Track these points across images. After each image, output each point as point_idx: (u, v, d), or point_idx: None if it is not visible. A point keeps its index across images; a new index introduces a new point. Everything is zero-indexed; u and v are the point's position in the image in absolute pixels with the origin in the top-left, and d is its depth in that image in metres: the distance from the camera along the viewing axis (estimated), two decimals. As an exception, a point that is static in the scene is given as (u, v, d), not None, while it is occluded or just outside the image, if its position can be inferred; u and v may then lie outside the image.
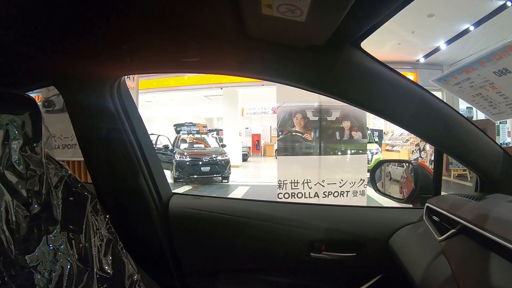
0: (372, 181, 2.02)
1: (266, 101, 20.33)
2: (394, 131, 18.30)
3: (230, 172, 12.61)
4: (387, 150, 16.87)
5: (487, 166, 1.33)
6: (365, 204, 5.65)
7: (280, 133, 6.08)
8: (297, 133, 6.05)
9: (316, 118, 6.14)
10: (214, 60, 1.37)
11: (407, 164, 2.07)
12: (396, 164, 2.27)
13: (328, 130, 6.18)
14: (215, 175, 12.34)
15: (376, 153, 13.37)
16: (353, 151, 6.31)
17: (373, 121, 17.00)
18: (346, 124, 6.31)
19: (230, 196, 9.79)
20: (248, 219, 1.73)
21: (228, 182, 12.45)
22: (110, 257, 1.33)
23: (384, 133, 18.30)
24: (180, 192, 1.91)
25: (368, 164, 8.49)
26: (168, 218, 1.75)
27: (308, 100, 6.08)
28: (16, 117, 1.18)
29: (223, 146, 14.25)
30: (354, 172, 6.31)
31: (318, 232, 1.66)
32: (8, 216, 1.12)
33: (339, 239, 1.65)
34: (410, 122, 1.32)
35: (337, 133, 6.28)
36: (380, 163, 2.16)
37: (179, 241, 1.76)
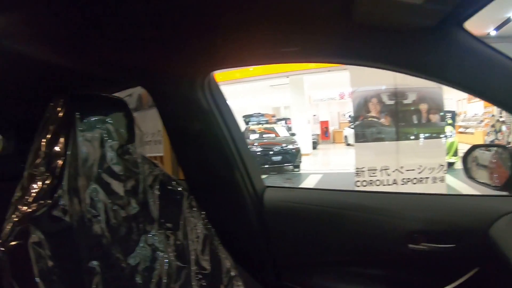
0: (465, 167, 1.93)
1: (333, 87, 20.03)
2: (467, 112, 17.44)
3: (301, 161, 12.50)
4: (460, 133, 16.08)
5: None
6: (445, 192, 5.42)
7: (355, 119, 5.98)
8: (373, 119, 5.90)
9: (392, 102, 5.94)
10: (317, 48, 1.30)
11: (501, 148, 1.96)
12: (485, 148, 2.15)
13: (405, 113, 5.99)
14: (286, 164, 12.24)
15: (451, 136, 12.75)
16: (431, 135, 6.09)
17: (445, 102, 16.18)
18: (423, 107, 6.04)
19: (303, 185, 9.72)
20: (343, 210, 1.68)
21: (299, 170, 12.35)
22: (208, 254, 1.34)
23: (457, 114, 17.44)
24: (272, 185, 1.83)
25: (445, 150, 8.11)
26: (263, 212, 1.73)
27: (383, 83, 5.91)
28: (110, 118, 1.20)
29: (293, 134, 14.17)
30: (433, 157, 6.03)
31: (416, 223, 1.57)
32: (107, 218, 1.15)
33: (438, 230, 1.56)
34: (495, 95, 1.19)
35: (414, 117, 6.07)
36: (473, 148, 2.05)
37: (274, 234, 1.73)
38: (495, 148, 2.01)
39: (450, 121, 15.28)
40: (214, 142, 1.66)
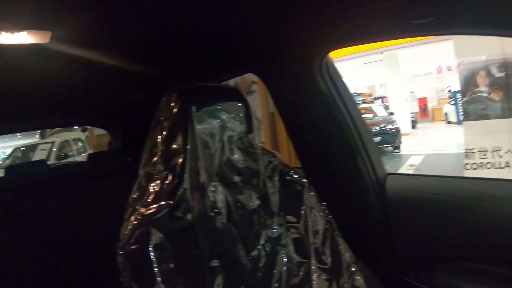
0: None
1: (430, 60, 19.06)
2: None
3: (401, 141, 12.01)
4: None
5: None
6: None
7: (463, 95, 5.58)
8: (482, 94, 5.49)
9: (503, 74, 5.49)
10: (454, 17, 1.15)
11: None
12: None
13: (518, 86, 5.50)
14: (385, 145, 11.76)
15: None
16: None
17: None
18: None
19: (404, 168, 9.31)
20: (473, 201, 1.51)
21: (399, 152, 11.87)
22: (328, 247, 1.28)
23: None
24: (395, 172, 1.76)
25: None
26: (385, 201, 1.62)
27: (490, 53, 5.45)
28: (226, 109, 1.15)
29: (391, 114, 13.67)
30: None
31: None
32: (229, 214, 1.12)
33: None
34: None
35: None
36: None
37: (395, 226, 1.62)
38: None
39: None
40: (334, 127, 1.59)
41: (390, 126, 11.92)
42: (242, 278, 1.10)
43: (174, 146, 1.09)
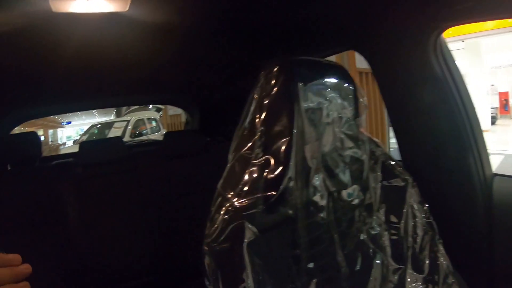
0: None
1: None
2: None
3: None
4: None
5: None
6: None
7: None
8: None
9: None
10: None
11: None
12: None
13: None
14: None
15: None
16: None
17: None
18: None
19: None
20: None
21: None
22: (427, 254, 1.16)
23: None
24: (500, 173, 1.50)
25: None
26: (491, 206, 1.44)
27: None
28: (333, 88, 1.03)
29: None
30: None
31: None
32: (332, 210, 1.02)
33: None
34: None
35: None
36: None
37: (501, 237, 1.43)
38: None
39: None
40: (445, 117, 1.43)
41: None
42: (337, 282, 1.01)
43: (277, 127, 0.97)
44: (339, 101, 1.04)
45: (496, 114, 18.29)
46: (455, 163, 1.46)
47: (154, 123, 11.22)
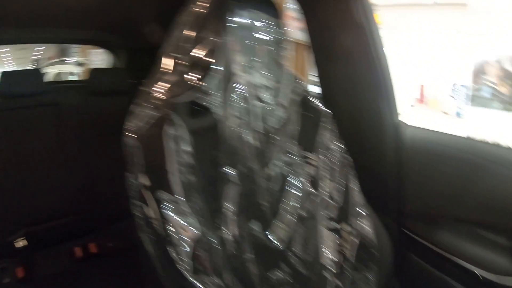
0: None
1: (435, 49, 18.97)
2: None
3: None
4: None
5: None
6: None
7: (474, 81, 5.56)
8: (491, 83, 5.46)
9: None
10: None
11: None
12: None
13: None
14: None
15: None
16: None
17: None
18: None
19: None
20: (490, 163, 1.46)
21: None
22: (340, 183, 1.22)
23: None
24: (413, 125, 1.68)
25: None
26: (400, 149, 1.59)
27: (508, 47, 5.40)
28: (264, 16, 1.06)
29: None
30: None
31: None
32: (253, 121, 1.03)
33: None
34: None
35: None
36: None
37: (407, 177, 1.61)
38: None
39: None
40: (361, 60, 1.54)
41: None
42: (252, 195, 1.03)
43: (206, 34, 0.97)
44: (266, 26, 1.07)
45: (415, 103, 19.29)
46: (368, 106, 1.58)
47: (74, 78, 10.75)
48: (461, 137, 1.76)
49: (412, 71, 17.86)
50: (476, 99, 5.63)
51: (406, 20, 14.06)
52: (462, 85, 7.22)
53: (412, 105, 17.43)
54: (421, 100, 21.49)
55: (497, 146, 1.63)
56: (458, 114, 11.83)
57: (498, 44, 5.53)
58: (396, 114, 1.66)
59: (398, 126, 1.66)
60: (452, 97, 16.46)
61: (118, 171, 1.02)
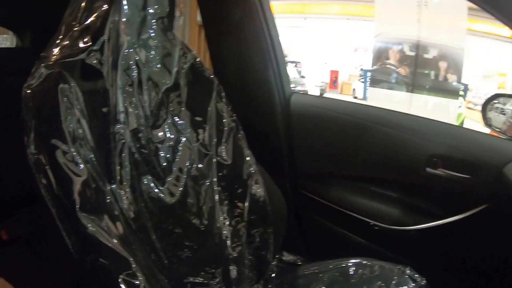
0: (484, 114, 1.95)
1: (349, 37, 19.66)
2: (479, 89, 17.22)
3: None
4: (469, 108, 15.86)
5: None
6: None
7: (374, 64, 5.96)
8: (391, 66, 5.89)
9: (413, 54, 5.96)
10: None
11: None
12: (507, 97, 2.15)
13: (423, 68, 6.01)
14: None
15: (460, 106, 12.70)
16: (445, 94, 6.12)
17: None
18: (442, 65, 6.10)
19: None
20: (369, 123, 1.65)
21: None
22: (231, 146, 1.27)
23: (469, 89, 17.19)
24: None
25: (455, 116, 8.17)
26: (289, 115, 1.69)
27: (407, 33, 5.88)
28: None
29: (302, 77, 14.13)
30: (443, 116, 5.99)
31: (437, 146, 1.56)
32: (140, 85, 1.06)
33: (457, 158, 1.54)
34: None
35: (432, 73, 6.16)
36: (495, 96, 2.06)
37: (297, 140, 1.73)
38: (509, 99, 2.02)
39: (461, 93, 15.18)
40: (252, 35, 1.61)
41: (299, 88, 12.32)
42: (144, 153, 1.06)
43: (99, 3, 0.97)
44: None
45: (326, 88, 19.92)
46: (259, 76, 1.66)
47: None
48: (345, 101, 1.94)
49: (323, 57, 18.58)
50: (378, 82, 5.97)
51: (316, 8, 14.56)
52: (366, 69, 7.62)
53: (322, 88, 18.13)
54: (332, 85, 22.28)
55: (377, 108, 1.80)
56: (365, 98, 12.43)
57: (398, 30, 5.92)
58: (288, 83, 1.76)
59: (287, 94, 1.74)
60: (361, 81, 17.30)
61: (23, 153, 0.95)
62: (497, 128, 1.86)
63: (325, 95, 19.19)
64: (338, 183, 1.76)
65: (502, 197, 1.44)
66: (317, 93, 16.03)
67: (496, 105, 2.07)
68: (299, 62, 18.61)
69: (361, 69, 18.78)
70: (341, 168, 1.74)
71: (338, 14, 14.05)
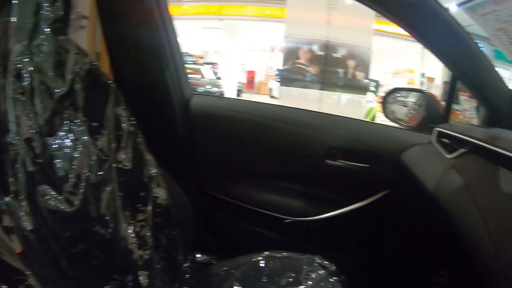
0: (384, 107, 2.06)
1: (265, 38, 19.99)
2: (390, 85, 18.27)
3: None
4: (380, 103, 16.79)
5: (497, 102, 1.36)
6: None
7: (285, 63, 6.10)
8: (301, 65, 6.07)
9: (322, 53, 6.17)
10: None
11: (419, 92, 2.10)
12: (405, 91, 2.29)
13: (333, 66, 6.23)
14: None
15: (371, 101, 13.42)
16: (354, 90, 6.41)
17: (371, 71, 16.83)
18: (351, 63, 6.39)
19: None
20: (268, 121, 1.70)
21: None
22: (130, 150, 1.23)
23: (380, 85, 18.22)
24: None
25: (364, 110, 8.68)
26: (190, 117, 1.71)
27: (316, 34, 6.11)
28: None
29: (218, 78, 14.17)
30: (352, 111, 6.30)
31: (335, 139, 1.65)
32: (32, 92, 1.00)
33: (355, 148, 1.65)
34: (433, 40, 1.32)
35: (341, 71, 6.39)
36: (394, 90, 2.18)
37: (199, 141, 1.74)
38: (414, 92, 2.15)
39: (373, 89, 16.07)
40: (149, 37, 1.60)
41: (215, 89, 12.42)
42: (38, 159, 1.00)
43: None
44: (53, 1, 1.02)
45: (242, 88, 20.17)
46: (157, 78, 1.65)
47: None
48: (245, 100, 1.99)
49: (240, 58, 18.75)
50: (290, 81, 6.15)
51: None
52: (279, 69, 7.81)
53: (239, 88, 18.28)
54: (248, 85, 22.54)
55: (277, 105, 1.87)
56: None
57: (308, 30, 6.12)
58: (187, 85, 1.76)
59: (187, 96, 1.75)
60: (278, 81, 17.66)
61: None
62: (400, 120, 1.98)
63: (243, 95, 19.47)
64: (243, 180, 1.79)
65: (401, 182, 1.55)
66: (234, 94, 16.20)
67: (399, 98, 2.19)
68: (216, 64, 18.66)
69: (277, 69, 19.26)
70: (245, 166, 1.77)
71: (254, 16, 14.19)
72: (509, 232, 0.82)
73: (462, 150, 1.23)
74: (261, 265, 1.24)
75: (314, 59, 6.10)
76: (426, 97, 1.82)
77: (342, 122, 1.78)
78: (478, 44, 1.30)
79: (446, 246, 1.61)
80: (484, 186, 1.04)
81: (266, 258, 1.25)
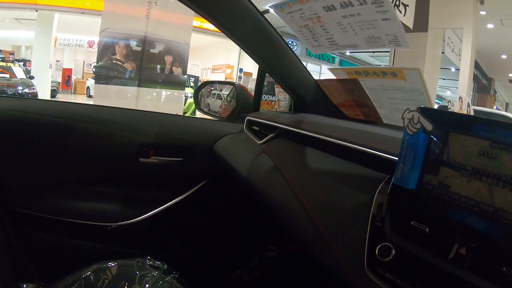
0: (196, 101, 2.09)
1: (83, 32, 19.08)
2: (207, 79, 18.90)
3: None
4: (201, 97, 17.61)
5: (301, 91, 1.50)
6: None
7: (99, 60, 5.85)
8: (117, 61, 5.88)
9: (139, 49, 6.08)
10: None
11: (230, 85, 2.17)
12: (216, 85, 2.37)
13: (150, 62, 6.20)
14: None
15: (191, 97, 13.70)
16: (172, 86, 6.48)
17: (191, 67, 17.23)
18: (168, 59, 6.46)
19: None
20: (76, 122, 1.58)
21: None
22: None
23: (200, 80, 18.81)
24: None
25: (183, 106, 8.87)
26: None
27: (134, 29, 6.06)
28: None
29: (31, 78, 12.97)
30: (171, 107, 6.47)
31: (147, 136, 1.65)
32: None
33: (167, 144, 1.68)
34: (243, 37, 1.35)
35: (158, 67, 6.39)
36: (204, 84, 2.23)
37: (0, 152, 1.50)
38: (225, 85, 2.22)
39: (192, 85, 16.55)
40: None
41: (27, 90, 11.40)
42: None
43: None
44: None
45: (58, 88, 18.90)
46: None
47: None
48: (46, 100, 1.81)
49: (55, 55, 17.47)
50: (105, 78, 5.94)
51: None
52: (95, 65, 7.49)
53: (54, 88, 17.03)
54: (64, 84, 21.14)
55: (82, 104, 1.78)
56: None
57: (125, 25, 6.00)
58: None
59: None
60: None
61: None
62: (214, 112, 2.04)
63: (58, 96, 18.21)
64: (54, 191, 1.61)
65: (217, 171, 1.66)
66: (48, 95, 14.97)
67: (214, 92, 2.24)
68: (28, 61, 17.05)
69: (94, 67, 18.41)
70: (52, 175, 1.59)
71: (73, 7, 13.32)
72: (318, 200, 0.92)
73: (270, 135, 1.36)
74: (91, 280, 1.13)
75: (131, 55, 5.99)
76: (237, 89, 1.90)
77: (154, 118, 1.76)
78: (289, 42, 1.39)
79: (270, 224, 1.75)
80: (292, 164, 1.14)
81: (95, 272, 1.15)
